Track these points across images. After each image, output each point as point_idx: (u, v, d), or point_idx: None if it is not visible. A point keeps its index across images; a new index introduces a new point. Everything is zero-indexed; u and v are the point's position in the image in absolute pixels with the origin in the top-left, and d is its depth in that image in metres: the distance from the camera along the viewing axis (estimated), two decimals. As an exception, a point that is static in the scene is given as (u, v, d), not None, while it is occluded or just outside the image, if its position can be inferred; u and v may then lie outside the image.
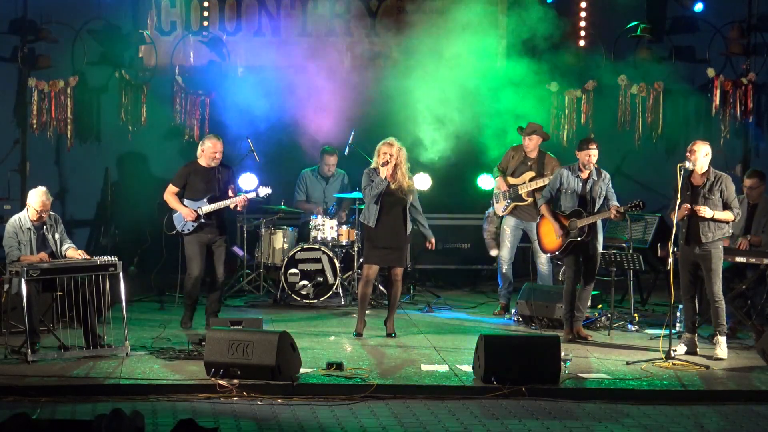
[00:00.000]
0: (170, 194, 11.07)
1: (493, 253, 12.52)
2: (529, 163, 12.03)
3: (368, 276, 10.73)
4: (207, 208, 10.92)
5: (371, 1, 14.50)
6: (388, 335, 10.71)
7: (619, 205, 10.60)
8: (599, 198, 10.72)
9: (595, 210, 10.70)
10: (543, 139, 12.13)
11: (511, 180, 12.13)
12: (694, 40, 14.67)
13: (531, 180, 11.94)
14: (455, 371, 9.33)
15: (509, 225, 12.08)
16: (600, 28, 14.57)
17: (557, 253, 10.99)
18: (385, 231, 10.59)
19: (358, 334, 10.71)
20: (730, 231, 10.15)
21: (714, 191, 9.87)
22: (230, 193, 11.07)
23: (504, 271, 12.08)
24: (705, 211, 9.77)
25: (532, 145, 12.04)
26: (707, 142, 10.04)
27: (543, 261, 11.96)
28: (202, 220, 10.92)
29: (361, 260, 12.75)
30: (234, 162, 13.14)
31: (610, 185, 10.81)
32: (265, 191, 11.41)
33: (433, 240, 11.15)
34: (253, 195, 11.25)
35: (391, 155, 10.54)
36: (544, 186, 11.40)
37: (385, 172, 10.54)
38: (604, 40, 14.48)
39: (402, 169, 10.60)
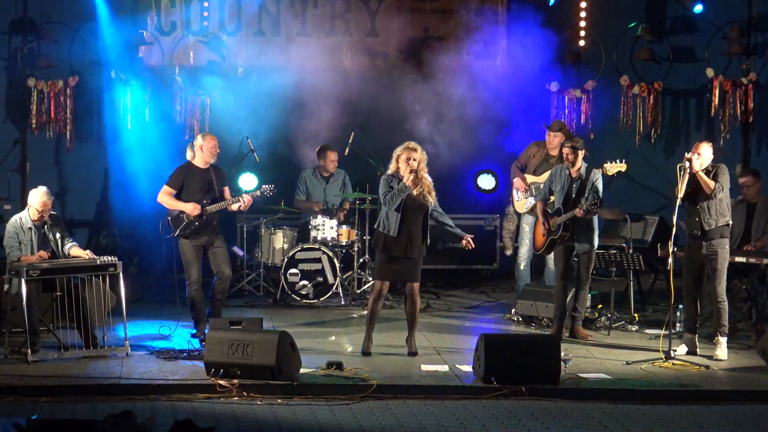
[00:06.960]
0: (166, 195, 10.57)
1: (508, 252, 12.49)
2: (551, 161, 11.79)
3: (381, 291, 9.98)
4: (210, 207, 10.48)
5: (371, 1, 14.49)
6: (411, 354, 9.95)
7: (582, 204, 10.44)
8: (584, 196, 10.55)
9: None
10: (566, 138, 11.98)
11: (532, 178, 11.99)
12: (694, 40, 14.66)
13: None
14: (455, 371, 9.33)
15: (528, 223, 11.97)
16: (600, 28, 14.57)
17: (540, 251, 11.00)
18: (403, 240, 9.82)
19: (366, 353, 9.90)
20: (730, 221, 10.14)
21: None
22: (226, 195, 10.64)
23: (522, 268, 12.00)
24: (695, 163, 9.81)
25: (556, 142, 11.80)
26: (711, 144, 10.10)
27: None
28: (205, 218, 10.47)
29: (361, 260, 12.78)
30: (234, 162, 13.16)
31: (598, 183, 10.56)
32: (268, 188, 10.84)
33: (468, 237, 10.12)
34: (257, 193, 10.78)
35: (415, 160, 9.81)
36: None
37: (408, 179, 9.77)
38: (604, 41, 14.47)
39: (424, 176, 9.94)
